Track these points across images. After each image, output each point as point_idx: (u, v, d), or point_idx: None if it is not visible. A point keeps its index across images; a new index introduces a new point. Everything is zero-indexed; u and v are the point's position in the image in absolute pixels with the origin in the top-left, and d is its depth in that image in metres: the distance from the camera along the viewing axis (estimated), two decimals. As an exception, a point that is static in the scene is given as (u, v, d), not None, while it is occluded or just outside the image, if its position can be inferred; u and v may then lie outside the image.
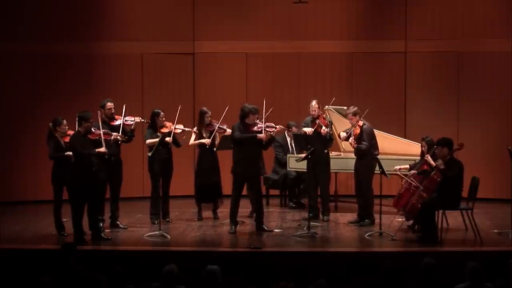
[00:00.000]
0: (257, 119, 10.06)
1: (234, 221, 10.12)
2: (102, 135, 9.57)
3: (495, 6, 12.99)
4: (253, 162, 10.02)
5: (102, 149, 9.51)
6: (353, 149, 10.79)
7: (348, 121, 11.45)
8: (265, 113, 10.12)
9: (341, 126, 11.57)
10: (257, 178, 10.25)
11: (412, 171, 9.87)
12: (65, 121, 9.86)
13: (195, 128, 10.98)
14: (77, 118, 9.60)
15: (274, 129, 10.17)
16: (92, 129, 9.56)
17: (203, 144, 10.82)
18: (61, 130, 9.84)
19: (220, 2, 13.42)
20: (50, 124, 9.90)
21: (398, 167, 10.20)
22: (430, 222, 9.35)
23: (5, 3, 12.78)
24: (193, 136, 10.95)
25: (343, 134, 10.72)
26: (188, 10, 13.39)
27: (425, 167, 9.73)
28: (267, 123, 10.09)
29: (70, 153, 9.62)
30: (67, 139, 9.80)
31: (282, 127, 10.55)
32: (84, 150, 9.38)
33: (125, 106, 10.39)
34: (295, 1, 12.48)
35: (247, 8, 13.44)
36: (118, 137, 10.07)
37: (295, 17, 13.34)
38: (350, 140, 10.52)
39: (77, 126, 9.67)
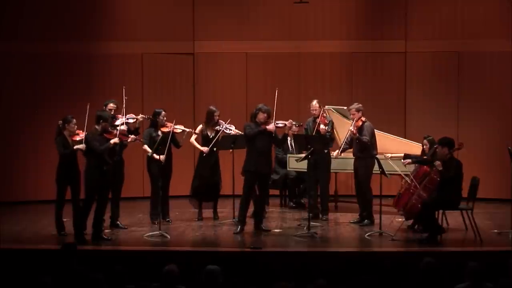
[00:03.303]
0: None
1: (242, 221, 10.07)
2: (118, 135, 9.60)
3: (495, 6, 13.00)
4: (264, 160, 10.02)
5: (116, 140, 9.49)
6: (352, 149, 10.81)
7: (348, 121, 11.49)
8: (275, 106, 10.13)
9: (341, 126, 11.58)
10: (267, 176, 10.26)
11: (408, 160, 9.84)
12: (74, 120, 9.85)
13: (198, 129, 10.95)
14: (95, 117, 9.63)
15: (283, 125, 10.22)
16: (109, 128, 9.59)
17: (201, 151, 10.84)
18: (69, 129, 9.83)
19: (220, 2, 13.43)
20: (60, 121, 9.91)
21: (389, 155, 10.17)
22: (431, 222, 9.35)
23: (5, 3, 12.78)
24: (194, 135, 10.96)
25: (337, 152, 10.90)
26: (188, 10, 13.40)
27: (425, 167, 9.76)
28: (277, 120, 10.15)
29: (80, 146, 9.62)
30: (74, 138, 9.80)
31: (291, 120, 10.51)
32: (100, 147, 9.39)
33: (125, 101, 10.41)
34: (295, 1, 12.50)
35: (247, 8, 13.46)
36: (137, 139, 10.16)
37: (295, 17, 13.35)
38: (351, 128, 10.50)
39: (86, 126, 9.71)
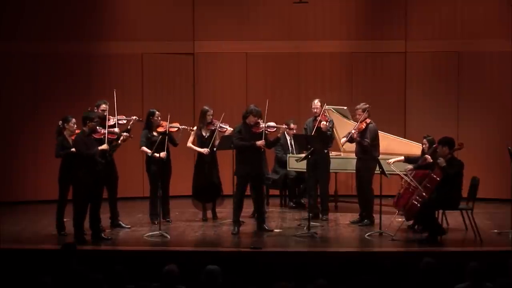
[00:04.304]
0: (259, 120, 10.06)
1: (237, 221, 10.10)
2: (107, 134, 9.59)
3: (495, 6, 12.99)
4: (255, 162, 10.01)
5: (104, 146, 9.51)
6: (353, 149, 10.81)
7: (348, 121, 11.49)
8: (266, 112, 10.12)
9: (341, 126, 11.57)
10: (260, 178, 10.25)
11: (410, 167, 9.82)
12: (74, 119, 9.88)
13: (194, 129, 10.95)
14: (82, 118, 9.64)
15: (275, 129, 10.21)
16: (97, 128, 9.58)
17: (201, 153, 10.82)
18: (69, 128, 9.87)
19: (220, 2, 13.42)
20: (60, 122, 9.94)
21: (392, 160, 10.17)
22: (431, 222, 9.35)
23: (5, 3, 12.77)
24: (191, 138, 10.93)
25: (343, 140, 10.76)
26: (188, 10, 13.39)
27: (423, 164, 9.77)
28: (268, 123, 10.11)
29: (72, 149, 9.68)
30: (74, 138, 9.82)
31: (285, 126, 10.57)
32: (87, 150, 9.38)
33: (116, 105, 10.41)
34: (295, 1, 12.49)
35: (247, 8, 13.45)
36: (128, 136, 10.13)
37: (295, 17, 13.35)
38: (353, 131, 10.50)
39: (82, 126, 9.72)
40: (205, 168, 10.87)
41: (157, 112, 10.71)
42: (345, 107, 11.89)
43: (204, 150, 10.78)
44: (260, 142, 9.92)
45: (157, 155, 10.22)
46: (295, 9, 12.95)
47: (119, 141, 10.05)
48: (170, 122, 10.58)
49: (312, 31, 13.44)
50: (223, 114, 10.88)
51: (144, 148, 10.60)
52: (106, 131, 9.60)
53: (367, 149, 10.45)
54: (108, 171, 10.18)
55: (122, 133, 10.08)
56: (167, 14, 13.31)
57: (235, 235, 9.95)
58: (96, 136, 9.54)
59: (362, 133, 10.49)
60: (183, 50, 13.43)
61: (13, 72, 12.91)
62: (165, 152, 10.27)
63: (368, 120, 10.53)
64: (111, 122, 10.28)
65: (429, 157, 9.69)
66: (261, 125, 10.02)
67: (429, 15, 13.23)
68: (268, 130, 10.11)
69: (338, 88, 13.31)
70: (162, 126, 10.65)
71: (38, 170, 12.67)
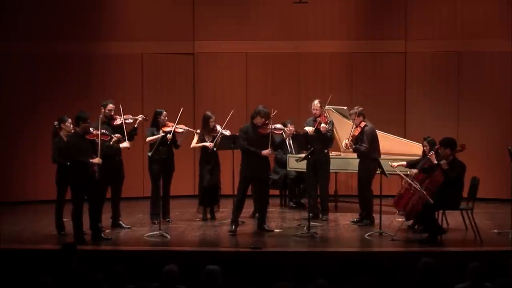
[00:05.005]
0: (267, 121, 10.05)
1: (235, 221, 10.10)
2: (99, 136, 9.52)
3: (495, 6, 12.99)
4: (260, 165, 10.01)
5: (96, 160, 9.38)
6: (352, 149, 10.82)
7: (348, 121, 11.49)
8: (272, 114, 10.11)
9: (341, 126, 11.57)
10: (265, 180, 10.23)
11: (414, 170, 9.85)
12: (70, 119, 9.84)
13: (198, 130, 10.95)
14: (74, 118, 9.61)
15: (281, 131, 10.22)
16: (91, 129, 9.53)
17: (206, 147, 10.81)
18: (65, 128, 9.84)
19: (220, 2, 13.42)
20: (55, 122, 9.92)
21: (396, 164, 10.20)
22: (432, 222, 9.35)
23: (4, 3, 12.77)
24: (195, 139, 10.93)
25: (344, 142, 10.78)
26: (188, 10, 13.40)
27: (427, 165, 9.75)
28: (275, 125, 10.11)
29: None
30: None
31: (291, 129, 10.58)
32: (79, 157, 9.31)
33: (121, 105, 10.38)
34: (295, 1, 12.50)
35: (247, 8, 13.45)
36: (119, 138, 10.08)
37: (295, 17, 13.35)
38: (346, 141, 10.55)
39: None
40: (209, 171, 10.83)
41: (164, 112, 10.72)
42: (345, 107, 11.88)
43: (209, 144, 10.76)
44: (265, 152, 9.92)
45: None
46: (295, 9, 12.96)
47: (111, 143, 9.97)
48: (177, 124, 10.58)
49: (312, 31, 13.44)
50: (231, 111, 10.84)
51: (150, 138, 10.59)
52: (99, 133, 9.52)
53: (365, 154, 10.46)
54: (115, 172, 10.18)
55: (114, 135, 10.02)
56: (167, 14, 13.31)
57: (233, 234, 9.94)
58: (89, 138, 9.47)
59: (358, 138, 10.49)
60: (183, 50, 13.44)
61: (13, 72, 12.91)
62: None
63: (363, 124, 10.52)
64: (118, 122, 10.28)
65: (433, 154, 9.69)
66: (268, 127, 10.00)
67: (429, 15, 13.23)
68: (275, 132, 10.11)
69: (338, 88, 13.29)
70: (168, 126, 10.64)
71: (38, 170, 12.66)
